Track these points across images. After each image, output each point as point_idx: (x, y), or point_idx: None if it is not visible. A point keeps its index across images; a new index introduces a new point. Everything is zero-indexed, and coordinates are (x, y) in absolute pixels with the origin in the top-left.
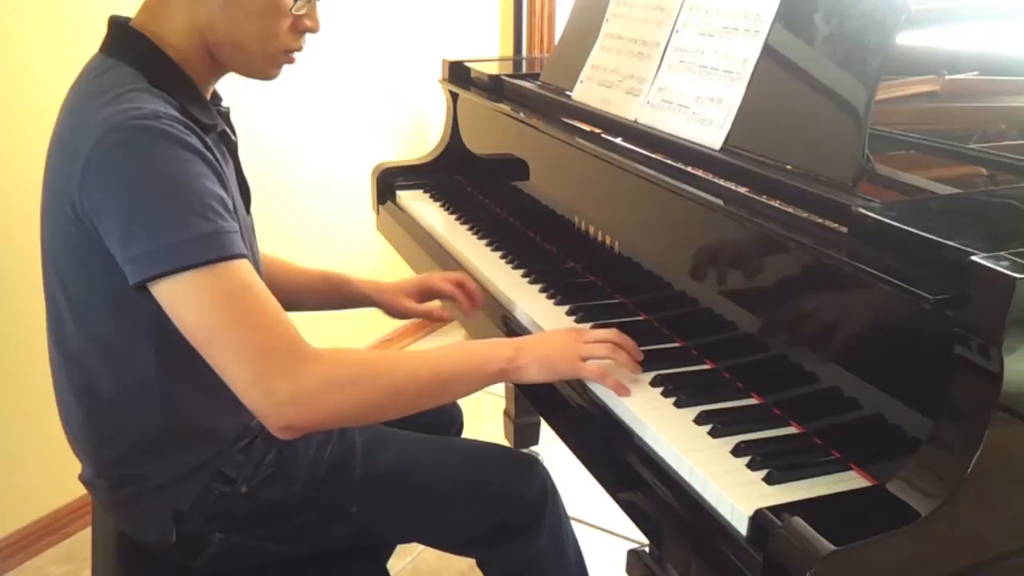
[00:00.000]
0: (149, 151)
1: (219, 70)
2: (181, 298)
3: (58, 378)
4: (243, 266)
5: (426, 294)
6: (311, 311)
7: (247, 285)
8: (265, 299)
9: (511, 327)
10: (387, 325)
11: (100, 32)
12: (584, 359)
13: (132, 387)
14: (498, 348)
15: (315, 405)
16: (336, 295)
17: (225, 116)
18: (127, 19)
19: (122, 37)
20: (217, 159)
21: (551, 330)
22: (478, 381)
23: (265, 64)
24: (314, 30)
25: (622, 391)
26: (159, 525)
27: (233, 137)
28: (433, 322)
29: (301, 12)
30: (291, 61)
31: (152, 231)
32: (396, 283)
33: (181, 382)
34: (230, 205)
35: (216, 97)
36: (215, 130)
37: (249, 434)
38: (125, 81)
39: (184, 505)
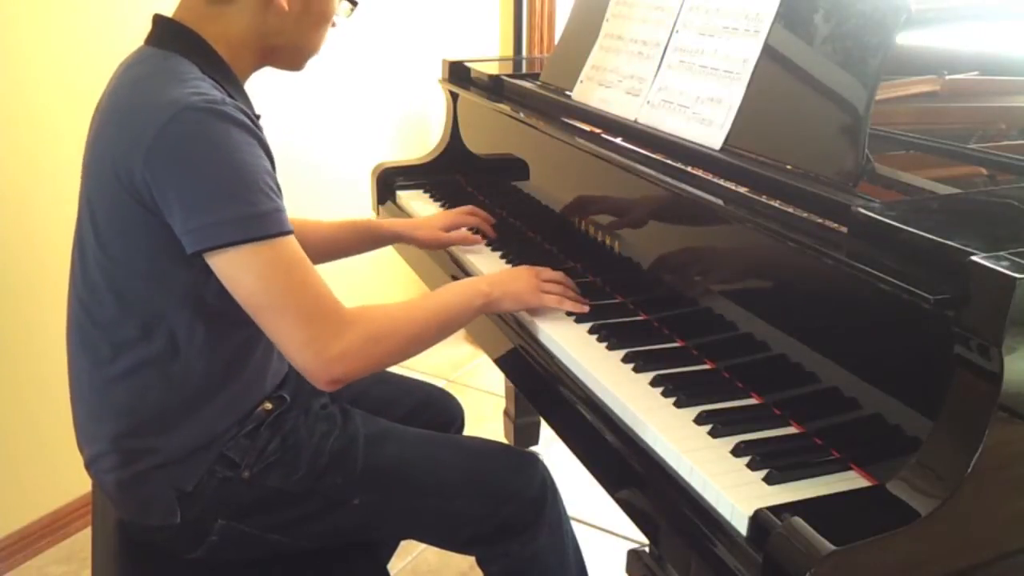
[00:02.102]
0: (221, 132)
1: (260, 67)
2: (243, 267)
3: (80, 350)
4: (294, 241)
5: (456, 226)
6: (337, 259)
7: (300, 257)
8: (312, 270)
9: (511, 327)
10: None
11: (100, 31)
12: (544, 292)
13: (159, 354)
14: (477, 286)
15: (359, 359)
16: (366, 239)
17: None
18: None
19: (174, 32)
20: (266, 142)
21: (514, 268)
22: (469, 315)
23: (306, 61)
24: (335, 26)
25: (580, 309)
26: (163, 506)
27: None
28: (468, 245)
29: (341, 17)
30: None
31: (222, 204)
32: (427, 218)
33: (205, 351)
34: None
35: None
36: (256, 119)
37: (254, 420)
38: (182, 70)
39: (188, 485)
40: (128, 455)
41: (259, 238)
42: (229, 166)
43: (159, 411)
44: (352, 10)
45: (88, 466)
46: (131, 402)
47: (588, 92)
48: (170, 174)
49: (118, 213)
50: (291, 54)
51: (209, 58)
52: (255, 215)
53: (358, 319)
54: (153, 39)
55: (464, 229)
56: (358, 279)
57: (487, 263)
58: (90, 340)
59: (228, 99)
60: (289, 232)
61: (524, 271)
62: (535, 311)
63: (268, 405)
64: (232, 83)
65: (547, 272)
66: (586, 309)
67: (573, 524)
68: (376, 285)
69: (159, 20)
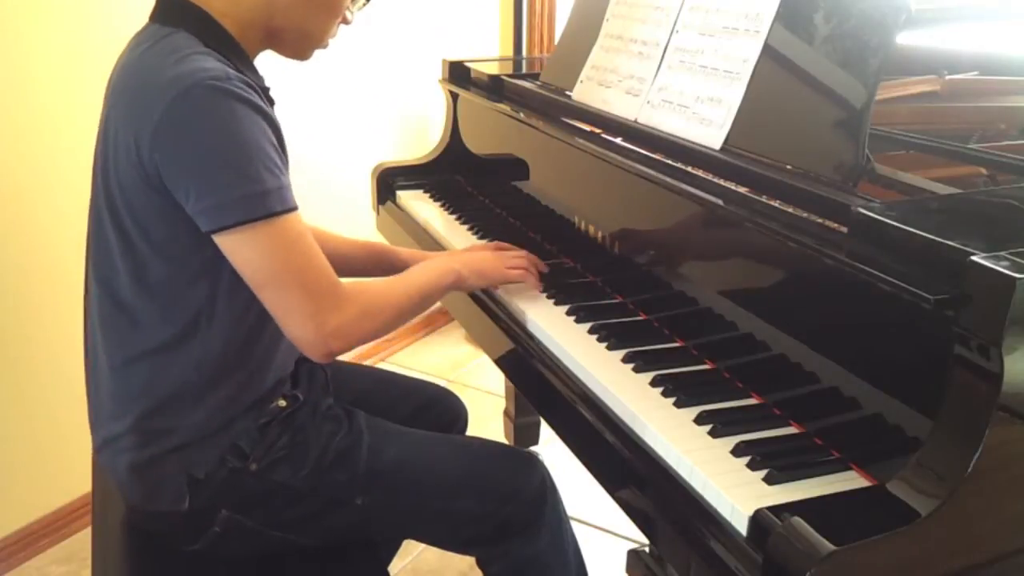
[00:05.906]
0: (224, 110)
1: (265, 48)
2: (251, 244)
3: (102, 332)
4: (298, 217)
5: None
6: (348, 278)
7: (303, 233)
8: (314, 246)
9: (511, 326)
10: None
11: (102, 31)
12: (508, 268)
13: (181, 333)
14: (449, 263)
15: (353, 334)
16: (378, 265)
17: None
18: None
19: (178, 7)
20: (273, 117)
21: (480, 250)
22: (441, 292)
23: (313, 49)
24: (349, 23)
25: (538, 287)
26: (173, 491)
27: None
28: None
29: (353, 10)
30: (326, 47)
31: (227, 184)
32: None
33: (224, 329)
34: (286, 160)
35: None
36: (265, 91)
37: (268, 415)
38: (185, 45)
39: (200, 471)
40: (146, 436)
41: (265, 216)
42: (234, 144)
43: (179, 390)
44: (365, 3)
45: (100, 450)
46: (153, 381)
47: (588, 92)
48: (177, 154)
49: (133, 197)
50: (297, 39)
51: (215, 32)
52: (260, 193)
53: (355, 294)
54: (157, 15)
55: None
56: None
57: None
58: (113, 322)
59: (233, 72)
60: (294, 209)
61: (489, 252)
62: (535, 311)
63: (282, 402)
64: (240, 57)
65: (511, 251)
66: (541, 286)
67: (573, 524)
68: None
69: None
